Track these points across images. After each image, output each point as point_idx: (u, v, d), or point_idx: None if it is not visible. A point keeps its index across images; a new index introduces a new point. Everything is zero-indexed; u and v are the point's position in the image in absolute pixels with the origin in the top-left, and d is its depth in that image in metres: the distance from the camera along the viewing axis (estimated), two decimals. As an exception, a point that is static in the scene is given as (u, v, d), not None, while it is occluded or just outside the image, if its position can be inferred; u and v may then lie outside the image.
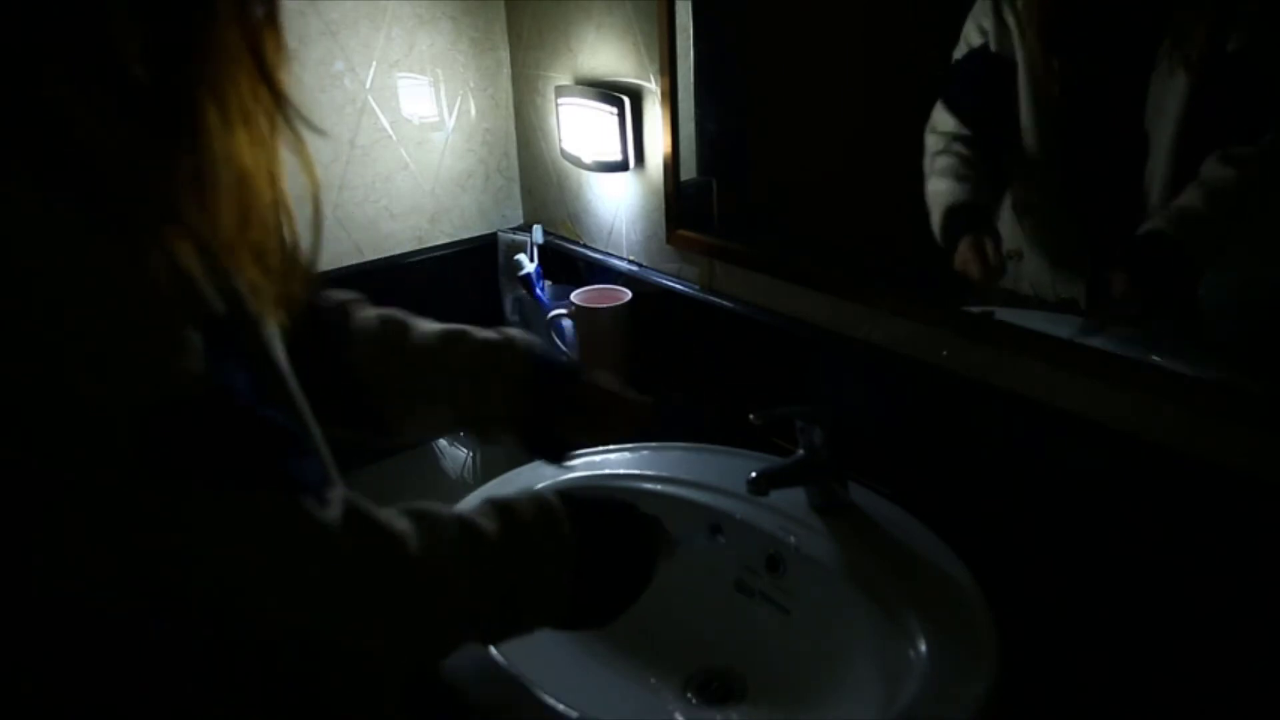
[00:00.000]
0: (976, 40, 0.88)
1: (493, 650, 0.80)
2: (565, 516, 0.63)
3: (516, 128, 1.53)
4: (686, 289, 1.27)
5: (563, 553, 0.62)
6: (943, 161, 0.94)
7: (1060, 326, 0.86)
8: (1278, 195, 0.75)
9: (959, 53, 0.90)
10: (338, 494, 0.50)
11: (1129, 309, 0.83)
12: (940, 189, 0.94)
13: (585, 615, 0.66)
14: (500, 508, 0.62)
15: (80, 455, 0.42)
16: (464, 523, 0.59)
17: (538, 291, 1.38)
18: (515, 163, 1.54)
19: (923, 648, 0.78)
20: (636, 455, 1.07)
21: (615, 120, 1.27)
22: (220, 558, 0.45)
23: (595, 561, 0.64)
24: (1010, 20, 0.86)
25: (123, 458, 0.42)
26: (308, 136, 0.51)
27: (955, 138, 0.93)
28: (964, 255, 0.91)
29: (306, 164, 0.52)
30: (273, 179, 0.50)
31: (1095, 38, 0.84)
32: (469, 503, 0.99)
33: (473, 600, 0.58)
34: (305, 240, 0.53)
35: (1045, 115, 0.86)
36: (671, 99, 1.19)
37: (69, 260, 0.41)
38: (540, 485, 1.02)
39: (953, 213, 0.93)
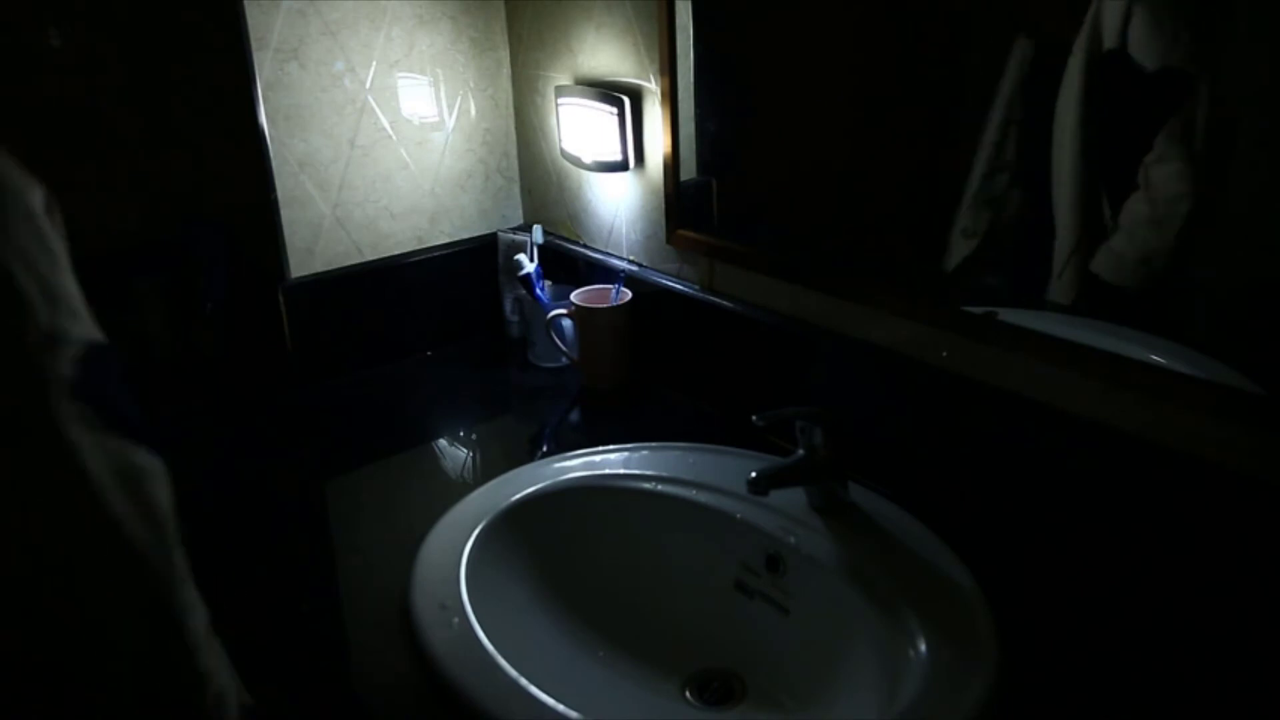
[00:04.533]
0: None
1: (492, 649, 0.80)
2: None
3: (516, 128, 1.53)
4: (686, 289, 1.27)
5: None
6: None
7: (1061, 326, 0.86)
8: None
9: None
10: None
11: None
12: None
13: None
14: None
15: None
16: None
17: (538, 291, 1.38)
18: (515, 163, 1.54)
19: (923, 648, 0.78)
20: (636, 455, 1.07)
21: (615, 120, 1.27)
22: None
23: None
24: None
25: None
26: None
27: None
28: None
29: None
30: None
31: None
32: (468, 501, 1.00)
33: None
34: None
35: None
36: (671, 99, 1.19)
37: None
38: (542, 484, 1.02)
39: None
